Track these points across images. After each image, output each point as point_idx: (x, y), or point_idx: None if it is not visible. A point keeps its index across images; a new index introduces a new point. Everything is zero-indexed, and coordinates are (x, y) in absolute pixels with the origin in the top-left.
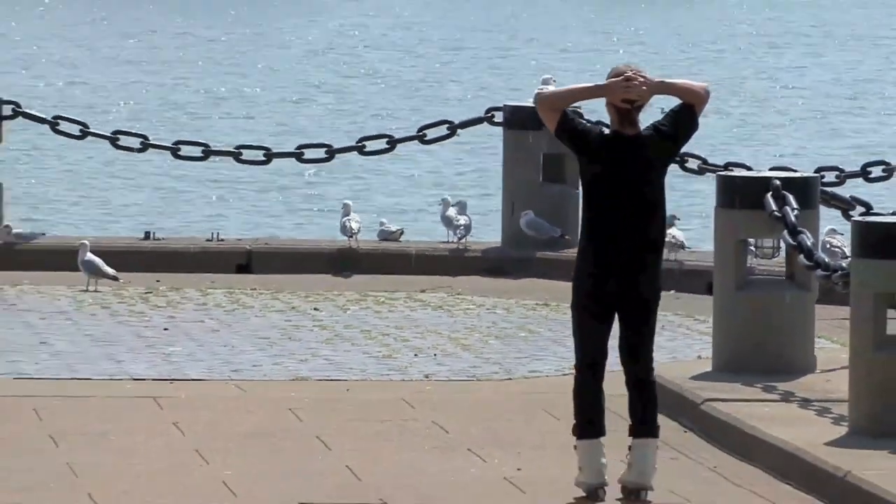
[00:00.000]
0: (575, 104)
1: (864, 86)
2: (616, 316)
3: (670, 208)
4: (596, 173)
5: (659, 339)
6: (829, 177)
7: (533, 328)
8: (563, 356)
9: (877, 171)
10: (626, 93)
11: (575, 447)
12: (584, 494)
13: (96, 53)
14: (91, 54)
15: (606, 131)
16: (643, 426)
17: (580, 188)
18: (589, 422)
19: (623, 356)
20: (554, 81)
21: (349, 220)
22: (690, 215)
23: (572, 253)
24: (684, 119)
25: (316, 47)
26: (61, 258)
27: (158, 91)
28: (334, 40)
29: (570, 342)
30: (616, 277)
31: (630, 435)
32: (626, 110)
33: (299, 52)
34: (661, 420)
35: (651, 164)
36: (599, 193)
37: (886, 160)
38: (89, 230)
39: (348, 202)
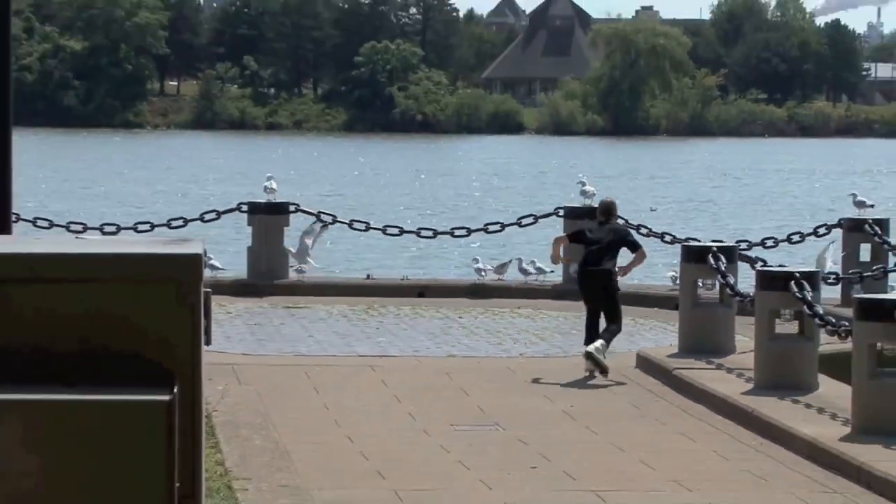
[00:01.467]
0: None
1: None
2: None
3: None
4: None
5: (647, 334)
6: (743, 245)
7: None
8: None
9: (770, 242)
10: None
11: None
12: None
13: None
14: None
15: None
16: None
17: None
18: (589, 337)
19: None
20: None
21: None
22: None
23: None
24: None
25: None
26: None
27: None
28: None
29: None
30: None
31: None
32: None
33: None
34: (649, 379)
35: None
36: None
37: (775, 237)
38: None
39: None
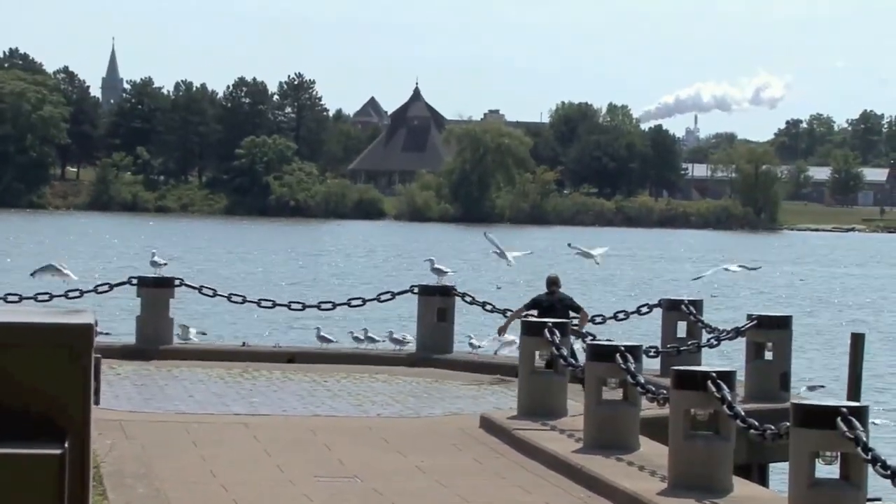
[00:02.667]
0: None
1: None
2: None
3: None
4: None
5: (490, 398)
6: (574, 321)
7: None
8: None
9: (598, 319)
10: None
11: None
12: None
13: None
14: None
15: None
16: None
17: None
18: None
19: None
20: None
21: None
22: None
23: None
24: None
25: None
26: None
27: None
28: None
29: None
30: None
31: None
32: None
33: None
34: (491, 438)
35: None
36: None
37: (603, 314)
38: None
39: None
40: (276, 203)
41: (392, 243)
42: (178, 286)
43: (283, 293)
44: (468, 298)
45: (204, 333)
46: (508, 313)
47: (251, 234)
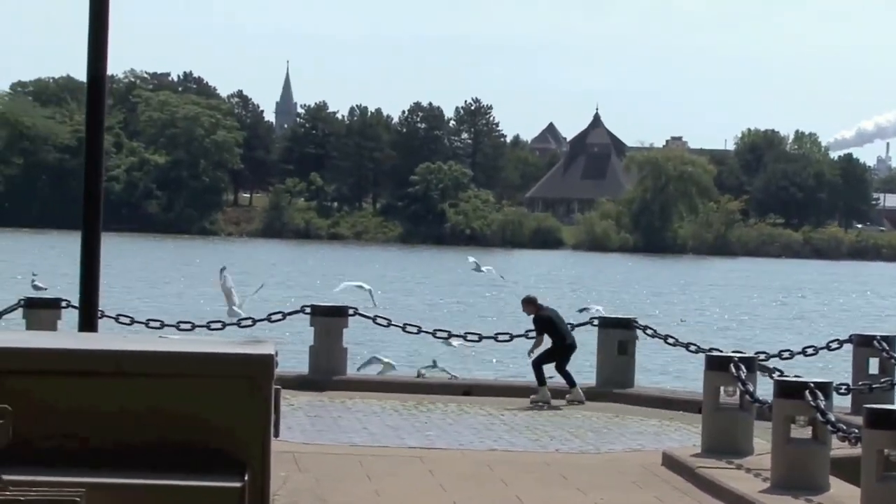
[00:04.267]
0: None
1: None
2: None
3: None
4: None
5: (672, 434)
6: (762, 356)
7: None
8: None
9: (786, 354)
10: None
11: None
12: None
13: None
14: None
15: None
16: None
17: None
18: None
19: None
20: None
21: None
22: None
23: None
24: None
25: None
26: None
27: None
28: None
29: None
30: None
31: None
32: None
33: None
34: (673, 476)
35: None
36: None
37: (791, 349)
38: None
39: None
40: (451, 231)
41: (573, 274)
42: (351, 315)
43: (460, 322)
44: (649, 331)
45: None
46: (692, 347)
47: (427, 262)
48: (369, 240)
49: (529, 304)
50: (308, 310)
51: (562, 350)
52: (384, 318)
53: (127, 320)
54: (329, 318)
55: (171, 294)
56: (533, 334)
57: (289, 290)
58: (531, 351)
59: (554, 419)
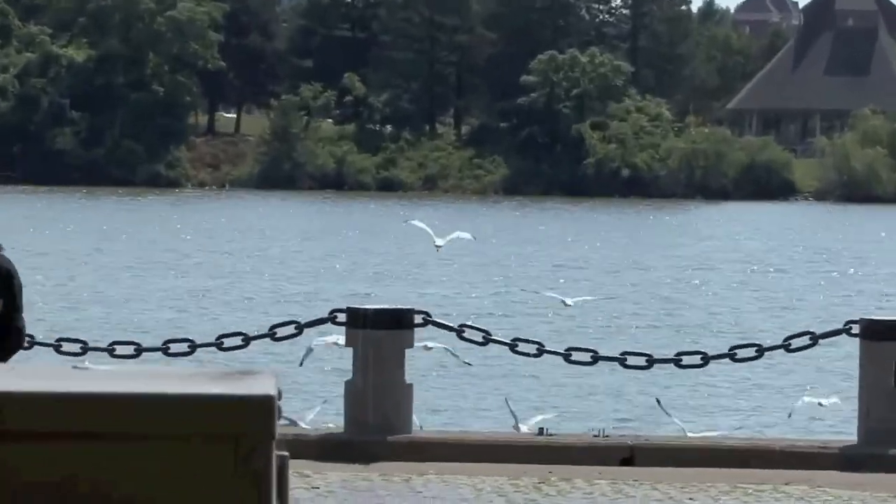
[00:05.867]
0: None
1: None
2: None
3: None
4: None
5: None
6: None
7: None
8: None
9: None
10: None
11: None
12: None
13: None
14: None
15: None
16: None
17: None
18: None
19: None
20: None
21: None
22: None
23: None
24: None
25: None
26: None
27: None
28: None
29: None
30: None
31: None
32: None
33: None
34: None
35: None
36: None
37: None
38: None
39: None
40: (597, 171)
41: (819, 244)
42: (420, 325)
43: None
44: None
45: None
46: None
47: (558, 226)
48: (449, 190)
49: None
50: (341, 317)
51: None
52: (479, 330)
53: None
54: (380, 333)
55: (98, 293)
56: None
57: (308, 284)
58: None
59: None
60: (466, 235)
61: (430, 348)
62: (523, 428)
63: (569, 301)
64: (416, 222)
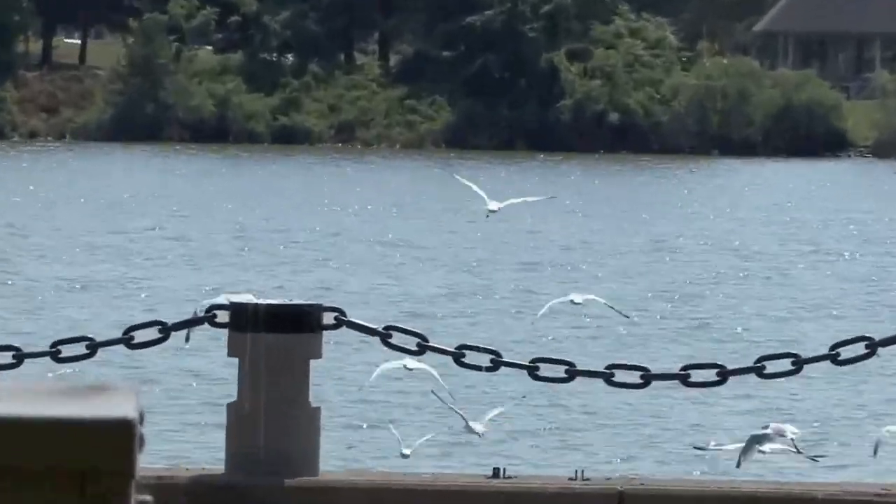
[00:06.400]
0: None
1: None
2: None
3: None
4: None
5: None
6: None
7: None
8: None
9: None
10: None
11: None
12: None
13: None
14: None
15: None
16: None
17: None
18: None
19: None
20: None
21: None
22: None
23: None
24: None
25: None
26: None
27: None
28: None
29: None
30: None
31: None
32: None
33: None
34: None
35: None
36: None
37: None
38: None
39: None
40: (574, 116)
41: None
42: (333, 327)
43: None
44: None
45: None
46: None
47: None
48: (373, 141)
49: None
50: (220, 315)
51: None
52: (412, 334)
53: None
54: (276, 338)
55: None
56: None
57: (182, 273)
58: None
59: None
60: (534, 198)
61: (412, 369)
62: (478, 427)
63: (578, 299)
64: (460, 178)
